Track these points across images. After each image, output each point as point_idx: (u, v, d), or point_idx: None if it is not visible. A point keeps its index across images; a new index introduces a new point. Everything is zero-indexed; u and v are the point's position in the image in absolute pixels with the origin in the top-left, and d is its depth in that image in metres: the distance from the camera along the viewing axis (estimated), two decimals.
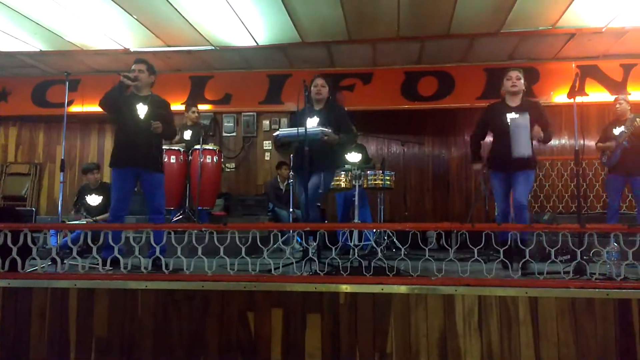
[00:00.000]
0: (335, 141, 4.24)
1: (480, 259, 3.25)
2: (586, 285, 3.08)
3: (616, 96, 5.89)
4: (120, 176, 4.29)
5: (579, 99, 7.19)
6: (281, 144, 4.43)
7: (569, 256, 3.41)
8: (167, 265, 3.50)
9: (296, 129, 4.13)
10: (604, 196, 7.07)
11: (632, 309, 2.99)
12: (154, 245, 3.61)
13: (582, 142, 4.28)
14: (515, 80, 4.39)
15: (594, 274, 3.21)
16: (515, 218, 4.29)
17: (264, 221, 7.09)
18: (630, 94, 7.31)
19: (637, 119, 5.24)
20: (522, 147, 4.18)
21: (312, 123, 4.31)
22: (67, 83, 4.51)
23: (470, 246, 3.25)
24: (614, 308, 3.00)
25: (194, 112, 6.73)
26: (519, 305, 3.08)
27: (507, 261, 3.48)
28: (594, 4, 5.95)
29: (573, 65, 7.54)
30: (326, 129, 4.18)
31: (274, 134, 4.51)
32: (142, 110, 4.28)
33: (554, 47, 7.26)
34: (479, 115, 4.86)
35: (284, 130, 4.45)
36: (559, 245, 3.18)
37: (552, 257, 3.19)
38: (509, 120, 4.29)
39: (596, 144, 5.79)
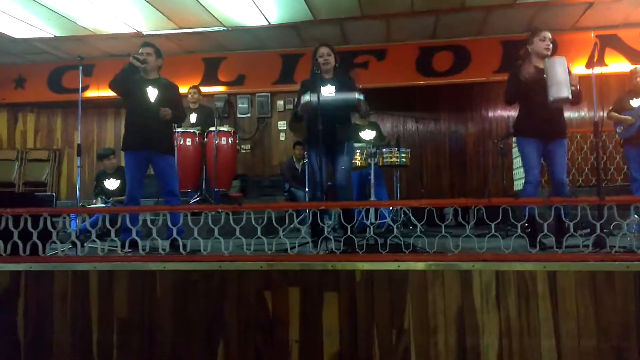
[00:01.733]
0: (365, 109, 4.21)
1: (498, 234, 3.21)
2: (606, 258, 3.03)
3: (636, 68, 5.71)
4: (133, 159, 4.34)
5: (598, 70, 7.06)
6: (298, 116, 4.29)
7: (589, 230, 3.35)
8: (184, 247, 3.53)
9: (326, 95, 4.04)
10: (625, 168, 6.95)
11: None
12: (171, 227, 3.64)
13: (601, 114, 4.15)
14: (549, 42, 4.05)
15: (614, 246, 3.15)
16: (554, 196, 3.92)
17: (280, 201, 7.12)
18: None
19: None
20: (562, 88, 3.79)
21: (328, 92, 4.18)
22: (81, 68, 4.52)
23: (487, 221, 3.21)
24: (634, 280, 2.95)
25: (193, 94, 6.70)
26: (537, 280, 3.05)
27: (535, 237, 3.33)
28: None
29: (592, 34, 7.35)
30: (360, 96, 4.14)
31: (304, 100, 4.16)
32: (152, 93, 4.30)
33: (572, 16, 7.09)
34: (507, 79, 4.53)
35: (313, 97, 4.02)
36: (578, 219, 3.13)
37: (572, 230, 3.13)
38: (545, 62, 3.94)
39: (609, 112, 5.62)
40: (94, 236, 3.56)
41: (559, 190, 3.99)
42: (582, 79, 4.01)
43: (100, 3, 6.35)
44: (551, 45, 4.08)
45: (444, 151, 8.40)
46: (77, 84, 4.54)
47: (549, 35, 4.09)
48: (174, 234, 3.56)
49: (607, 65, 7.36)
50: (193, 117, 6.59)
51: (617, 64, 7.39)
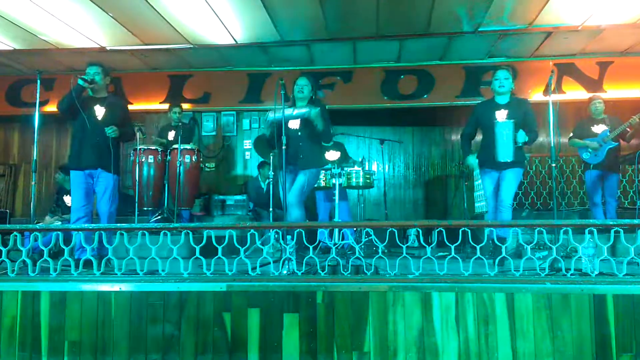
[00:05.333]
0: (321, 123, 4.30)
1: (457, 257, 3.24)
2: (561, 281, 3.10)
3: (592, 96, 5.97)
4: (78, 178, 4.37)
5: (556, 97, 7.32)
6: (270, 138, 4.45)
7: (547, 252, 3.43)
8: (99, 265, 3.49)
9: (290, 108, 4.32)
10: (581, 193, 7.18)
11: (606, 304, 3.01)
12: (107, 245, 3.53)
13: (558, 139, 4.33)
14: (503, 80, 4.43)
15: (570, 269, 3.23)
16: (497, 216, 4.34)
17: (244, 221, 7.05)
18: (606, 92, 7.42)
19: (634, 117, 5.31)
20: (507, 153, 4.25)
21: (295, 120, 4.41)
22: (39, 82, 4.41)
23: (447, 243, 3.24)
24: (589, 303, 3.02)
25: (178, 112, 6.71)
26: (496, 302, 3.09)
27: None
28: (570, 2, 6.00)
29: (550, 63, 7.63)
30: (312, 109, 4.29)
31: (268, 118, 4.45)
32: (99, 111, 4.37)
33: (531, 45, 7.32)
34: (469, 113, 4.89)
35: (276, 115, 4.30)
36: (534, 242, 3.19)
37: (529, 253, 3.19)
38: (495, 121, 4.36)
39: (570, 139, 5.85)
40: (46, 255, 3.43)
41: (502, 211, 4.28)
42: (541, 105, 4.23)
43: (63, 17, 6.22)
44: (505, 81, 4.41)
45: (408, 172, 8.52)
46: (36, 98, 4.44)
47: (503, 74, 4.43)
48: (87, 254, 3.47)
49: (564, 93, 7.65)
50: (171, 135, 6.52)
51: (573, 92, 7.67)
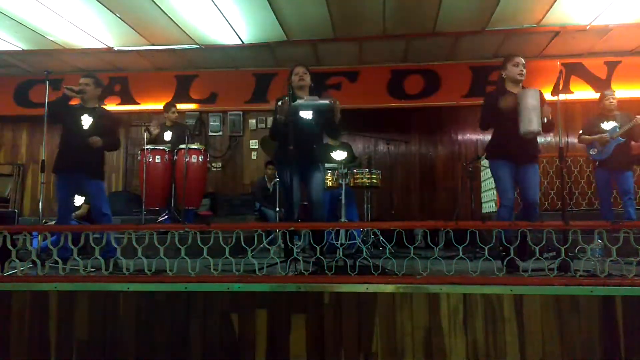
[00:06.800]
0: (339, 116, 4.13)
1: (465, 257, 3.23)
2: (570, 282, 3.08)
3: (604, 92, 5.87)
4: (62, 181, 4.52)
5: (564, 97, 7.28)
6: (279, 130, 4.10)
7: (554, 253, 3.40)
8: (116, 266, 3.54)
9: (300, 100, 4.01)
10: (589, 193, 7.13)
11: (615, 305, 2.99)
12: (115, 245, 3.55)
13: (566, 139, 4.28)
14: (522, 68, 4.09)
15: (578, 270, 3.21)
16: (525, 217, 3.99)
17: (250, 221, 7.05)
18: (614, 92, 7.36)
19: (638, 116, 5.26)
20: (532, 122, 3.81)
21: (307, 111, 4.12)
22: (47, 82, 4.44)
23: (455, 244, 3.23)
24: (598, 305, 3.00)
25: (173, 112, 6.66)
26: (504, 303, 3.07)
27: (517, 258, 3.35)
28: (578, 1, 5.98)
29: (558, 63, 7.60)
30: (332, 100, 4.07)
31: (279, 103, 4.07)
32: (86, 121, 4.54)
33: (539, 45, 7.30)
34: (476, 112, 4.50)
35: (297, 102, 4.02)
36: (543, 243, 3.17)
37: (537, 254, 3.17)
38: (521, 91, 3.98)
39: (580, 135, 5.76)
40: (55, 255, 3.44)
41: (530, 211, 4.00)
42: (549, 105, 4.09)
43: (70, 17, 6.27)
44: (524, 70, 4.11)
45: (414, 173, 8.48)
46: (44, 98, 4.47)
47: (522, 60, 4.12)
48: (96, 253, 3.47)
49: (572, 93, 7.61)
50: (168, 135, 6.52)
51: (581, 92, 7.64)
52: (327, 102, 4.09)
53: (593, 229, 3.20)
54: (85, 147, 4.42)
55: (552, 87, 4.00)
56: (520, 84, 4.18)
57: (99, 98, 4.73)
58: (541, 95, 4.00)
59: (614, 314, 2.98)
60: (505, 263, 3.58)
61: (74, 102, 4.60)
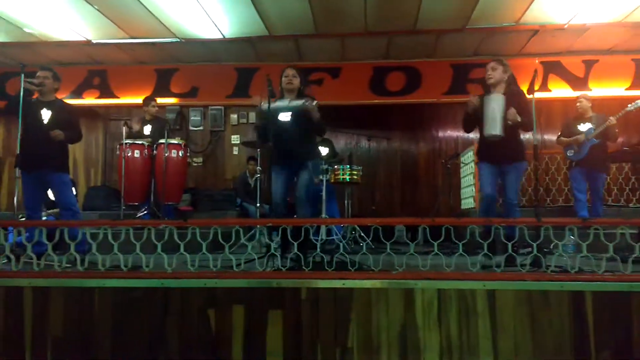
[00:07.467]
0: (317, 117, 4.15)
1: (439, 253, 3.28)
2: (541, 278, 3.14)
3: (579, 93, 6.05)
4: (27, 177, 4.45)
5: (542, 95, 7.36)
6: (263, 132, 4.26)
7: (531, 249, 3.46)
8: (83, 261, 3.49)
9: (285, 101, 4.16)
10: (566, 190, 7.25)
11: (585, 300, 3.05)
12: (68, 241, 3.50)
13: (540, 137, 4.36)
14: (490, 72, 4.32)
15: (550, 266, 3.27)
16: (503, 215, 4.21)
17: (232, 216, 7.04)
18: (591, 90, 7.50)
19: (611, 118, 5.37)
20: (494, 126, 4.08)
21: (286, 113, 4.20)
22: (22, 75, 4.37)
23: (431, 240, 3.27)
24: (568, 300, 3.06)
25: (153, 106, 6.60)
26: (477, 298, 3.12)
27: (489, 254, 3.40)
28: (556, 1, 6.06)
29: (537, 61, 7.69)
30: (309, 101, 4.13)
31: (261, 108, 4.22)
32: (46, 115, 4.51)
33: (518, 43, 7.38)
34: (456, 110, 4.81)
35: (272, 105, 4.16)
36: (516, 239, 3.23)
37: (510, 250, 3.23)
38: (485, 97, 4.26)
39: (558, 138, 5.93)
40: (29, 251, 3.41)
41: (507, 209, 4.19)
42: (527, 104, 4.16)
43: (48, 10, 6.18)
44: (492, 72, 4.30)
45: (396, 169, 8.53)
46: (20, 91, 4.40)
47: (491, 64, 4.34)
48: (72, 249, 3.44)
49: (550, 91, 7.72)
50: (147, 129, 6.46)
51: (559, 90, 7.75)
52: (299, 103, 4.13)
53: (565, 226, 3.26)
54: (46, 141, 4.39)
55: (527, 86, 4.08)
56: (492, 87, 4.34)
57: (55, 91, 4.68)
58: (512, 98, 4.18)
59: (583, 308, 3.05)
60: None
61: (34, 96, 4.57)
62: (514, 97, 4.24)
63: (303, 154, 4.24)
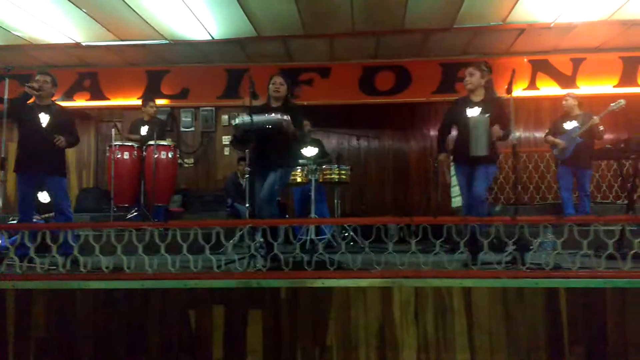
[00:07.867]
0: (292, 131, 4.24)
1: (416, 251, 3.32)
2: (517, 275, 3.18)
3: (567, 92, 6.10)
4: (24, 181, 4.51)
5: (531, 93, 7.40)
6: (241, 138, 4.40)
7: (515, 247, 3.50)
8: (66, 264, 3.52)
9: (254, 116, 4.19)
10: (555, 187, 7.29)
11: (559, 297, 3.10)
12: (72, 243, 3.56)
13: (517, 135, 4.43)
14: (468, 78, 4.37)
15: (525, 263, 3.31)
16: (473, 211, 4.23)
17: (222, 217, 7.07)
18: (579, 88, 7.53)
19: (594, 117, 5.42)
20: (481, 147, 4.14)
21: (254, 126, 4.25)
22: (7, 79, 4.41)
23: (408, 240, 3.31)
24: (542, 296, 3.11)
25: (152, 106, 6.61)
26: (453, 296, 3.16)
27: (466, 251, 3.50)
28: (541, 0, 6.10)
29: (525, 59, 7.73)
30: (285, 117, 4.19)
31: (233, 123, 4.41)
32: (44, 119, 4.55)
33: (506, 42, 7.41)
34: (445, 109, 4.85)
35: (244, 119, 4.26)
36: (492, 236, 3.27)
37: (485, 247, 3.27)
38: (469, 116, 4.31)
39: (545, 136, 5.98)
40: (12, 253, 3.45)
41: (475, 204, 4.20)
42: (515, 101, 4.19)
43: (37, 13, 6.20)
44: (470, 78, 4.35)
45: (387, 168, 8.55)
46: (9, 93, 4.45)
47: (468, 70, 4.39)
48: (54, 251, 3.49)
49: (538, 89, 7.75)
50: (144, 130, 6.48)
51: (548, 88, 7.77)
52: (275, 119, 4.21)
53: (539, 224, 3.30)
54: (45, 145, 4.42)
55: (520, 84, 4.13)
56: (482, 90, 4.39)
57: (52, 96, 4.73)
58: (492, 104, 4.28)
59: (557, 305, 3.09)
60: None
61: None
62: (494, 105, 4.30)
63: (277, 161, 4.35)
